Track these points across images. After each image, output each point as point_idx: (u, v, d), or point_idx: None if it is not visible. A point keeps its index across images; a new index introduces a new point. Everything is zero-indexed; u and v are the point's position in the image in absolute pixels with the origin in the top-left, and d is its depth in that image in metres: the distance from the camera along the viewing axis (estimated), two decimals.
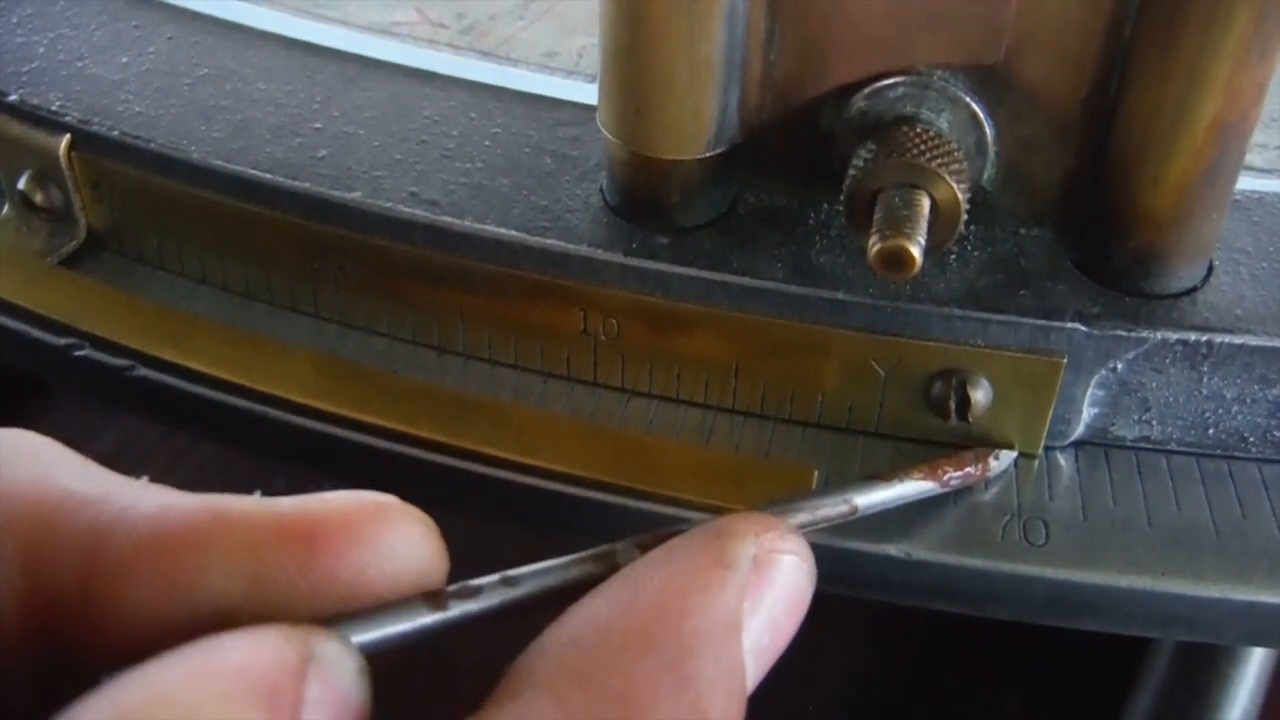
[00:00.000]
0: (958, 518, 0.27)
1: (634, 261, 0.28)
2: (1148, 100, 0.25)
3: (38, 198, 0.33)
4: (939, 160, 0.25)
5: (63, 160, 0.32)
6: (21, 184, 0.33)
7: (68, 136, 0.32)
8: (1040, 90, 0.27)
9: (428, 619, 0.17)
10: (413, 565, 0.17)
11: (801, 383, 0.28)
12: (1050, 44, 0.26)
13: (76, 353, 0.31)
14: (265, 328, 0.31)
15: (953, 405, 0.27)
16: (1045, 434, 0.28)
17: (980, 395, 0.27)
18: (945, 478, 0.26)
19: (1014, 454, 0.28)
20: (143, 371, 0.30)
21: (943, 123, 0.27)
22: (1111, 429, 0.28)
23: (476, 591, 0.18)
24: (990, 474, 0.27)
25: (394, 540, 0.17)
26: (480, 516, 0.29)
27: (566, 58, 0.36)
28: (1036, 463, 0.28)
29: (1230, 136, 0.25)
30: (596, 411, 0.29)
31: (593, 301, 0.28)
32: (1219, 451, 0.28)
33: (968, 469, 0.27)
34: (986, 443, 0.28)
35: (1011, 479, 0.28)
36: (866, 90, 0.27)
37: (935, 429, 0.28)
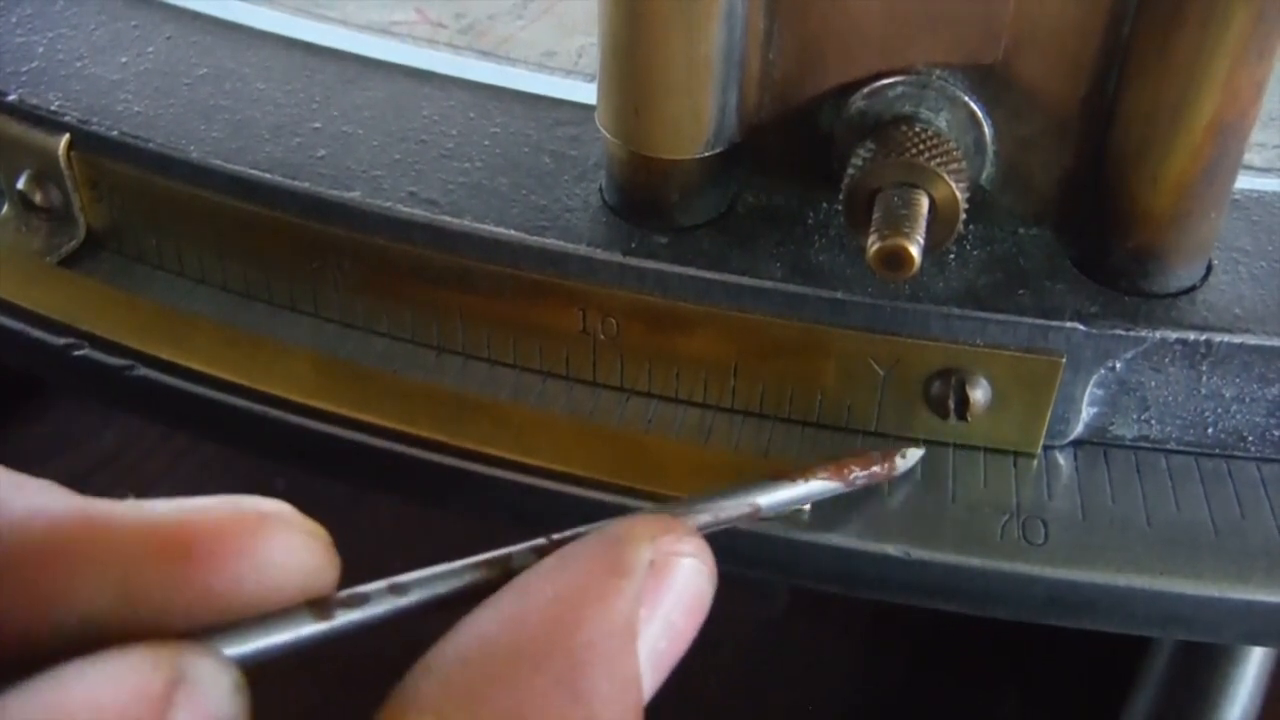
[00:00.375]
0: (957, 517, 0.27)
1: (633, 261, 0.28)
2: (1146, 99, 0.25)
3: (37, 197, 0.33)
4: (938, 159, 0.25)
5: (62, 160, 0.32)
6: (21, 184, 0.33)
7: (67, 136, 0.32)
8: (1039, 89, 0.27)
9: (311, 628, 0.16)
10: (295, 576, 0.16)
11: (800, 382, 0.28)
12: (1049, 43, 0.26)
13: (76, 352, 0.31)
14: (265, 327, 0.31)
15: (952, 405, 0.27)
16: (1044, 433, 0.28)
17: (979, 394, 0.27)
18: (850, 476, 0.26)
19: (920, 452, 0.27)
20: (142, 371, 0.30)
21: (941, 122, 0.27)
22: (1110, 428, 0.28)
23: (363, 600, 0.17)
24: (896, 472, 0.27)
25: (274, 551, 0.16)
26: (479, 516, 0.29)
27: (565, 57, 0.36)
28: (1035, 462, 0.28)
29: (1229, 135, 0.25)
30: (595, 411, 0.29)
31: (592, 301, 0.28)
32: (1218, 451, 0.28)
33: (874, 468, 0.26)
34: (987, 443, 0.28)
35: (1011, 478, 0.28)
36: (865, 90, 0.27)
37: (934, 428, 0.28)
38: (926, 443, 0.28)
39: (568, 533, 0.19)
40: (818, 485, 0.25)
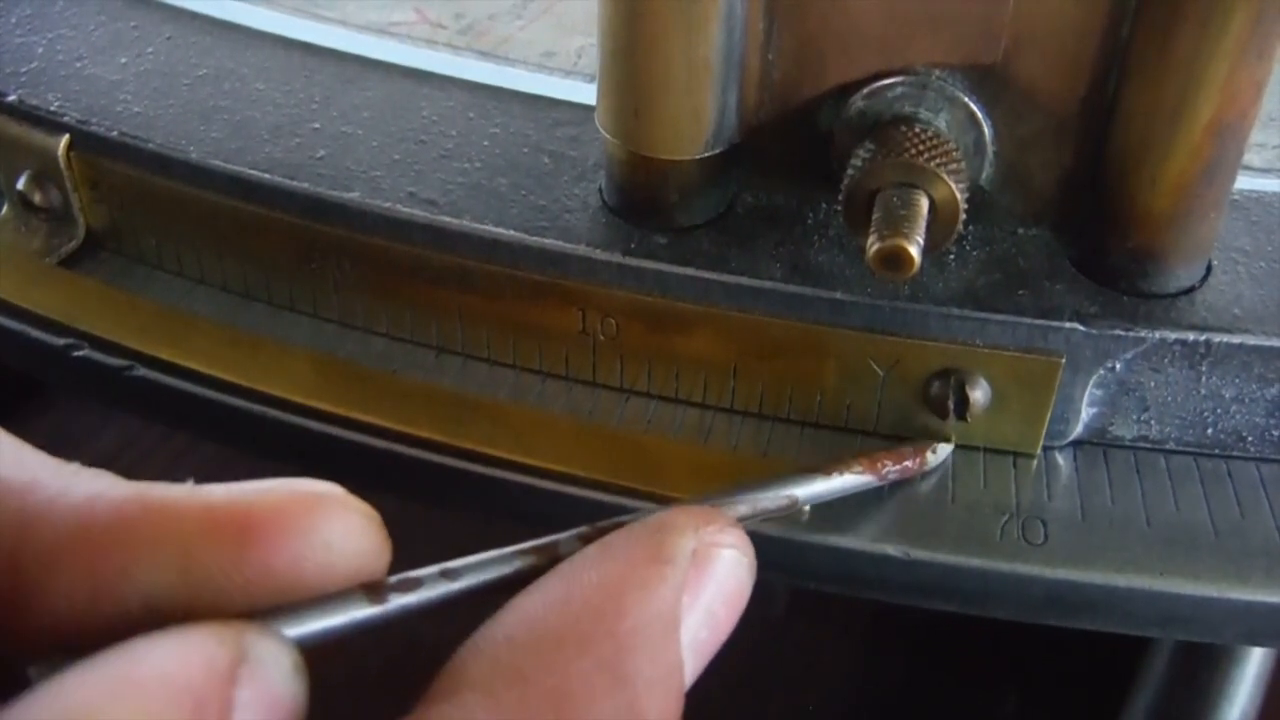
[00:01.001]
0: (956, 517, 0.27)
1: (632, 261, 0.28)
2: (1146, 99, 0.25)
3: (36, 198, 0.33)
4: (937, 160, 0.25)
5: (61, 160, 0.32)
6: (20, 184, 0.33)
7: (66, 137, 0.32)
8: (1038, 90, 0.27)
9: (366, 611, 0.17)
10: (351, 557, 0.17)
11: (800, 382, 0.28)
12: (1048, 43, 0.26)
13: (75, 353, 0.31)
14: (264, 328, 0.31)
15: (951, 405, 0.27)
16: (1044, 434, 0.28)
17: (979, 395, 0.27)
18: (883, 471, 0.26)
19: (950, 447, 0.28)
20: (142, 371, 0.30)
21: (941, 122, 0.27)
22: (1110, 428, 0.28)
23: (416, 584, 0.17)
24: (927, 467, 0.27)
25: (331, 532, 0.16)
26: (479, 516, 0.29)
27: (565, 57, 0.36)
28: (1035, 462, 0.28)
29: (1228, 136, 0.25)
30: (595, 411, 0.29)
31: (591, 301, 0.28)
32: (1217, 451, 0.28)
33: (905, 463, 0.27)
34: (987, 443, 0.28)
35: (1010, 478, 0.28)
36: (865, 90, 0.27)
37: (934, 428, 0.28)
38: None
39: (612, 520, 0.20)
40: (852, 479, 0.25)
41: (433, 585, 0.18)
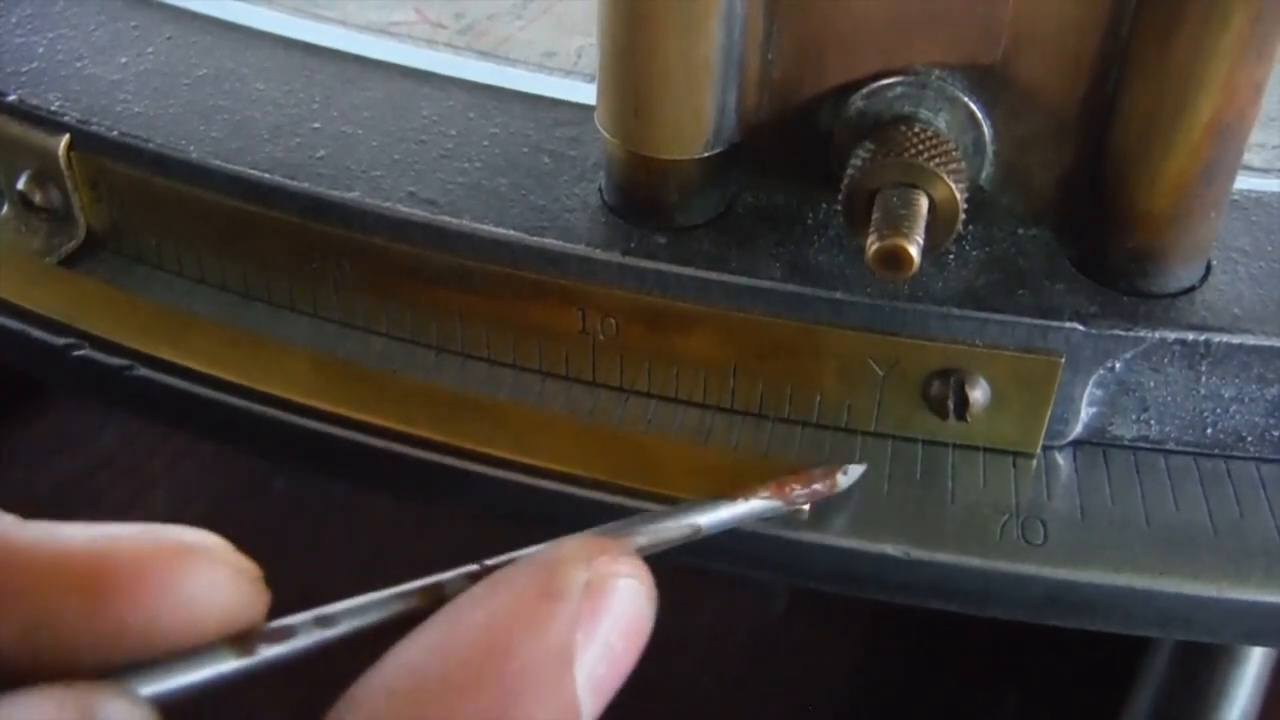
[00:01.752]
0: (956, 517, 0.27)
1: (632, 261, 0.28)
2: (1145, 99, 0.25)
3: (37, 198, 0.33)
4: (937, 160, 0.25)
5: (62, 160, 0.32)
6: (21, 184, 0.33)
7: (67, 136, 0.32)
8: (1038, 90, 0.27)
9: (233, 665, 0.16)
10: (217, 611, 0.16)
11: (799, 382, 0.28)
12: (1048, 43, 0.26)
13: (75, 352, 0.31)
14: (264, 327, 0.31)
15: (951, 405, 0.27)
16: (1043, 433, 0.28)
17: (978, 395, 0.27)
18: (791, 495, 0.25)
19: (862, 468, 0.27)
20: (142, 371, 0.30)
21: (941, 122, 0.27)
22: (1109, 428, 0.28)
23: (289, 633, 0.17)
24: (838, 489, 0.26)
25: (195, 586, 0.16)
26: (478, 516, 0.29)
27: (565, 57, 0.36)
28: (1034, 462, 0.28)
29: (1228, 136, 0.25)
30: (595, 411, 0.29)
31: (591, 301, 0.28)
32: (1217, 451, 0.28)
33: (814, 485, 0.26)
34: (986, 443, 0.28)
35: (1010, 478, 0.28)
36: (864, 90, 0.27)
37: (933, 428, 0.28)
38: (925, 443, 0.28)
39: (502, 558, 0.19)
40: (759, 504, 0.25)
41: (307, 633, 0.17)
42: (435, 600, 0.18)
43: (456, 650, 0.16)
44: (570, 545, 0.18)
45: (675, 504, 0.23)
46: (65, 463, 0.54)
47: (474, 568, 0.19)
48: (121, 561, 0.15)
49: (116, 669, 0.15)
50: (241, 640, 0.16)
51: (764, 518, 0.25)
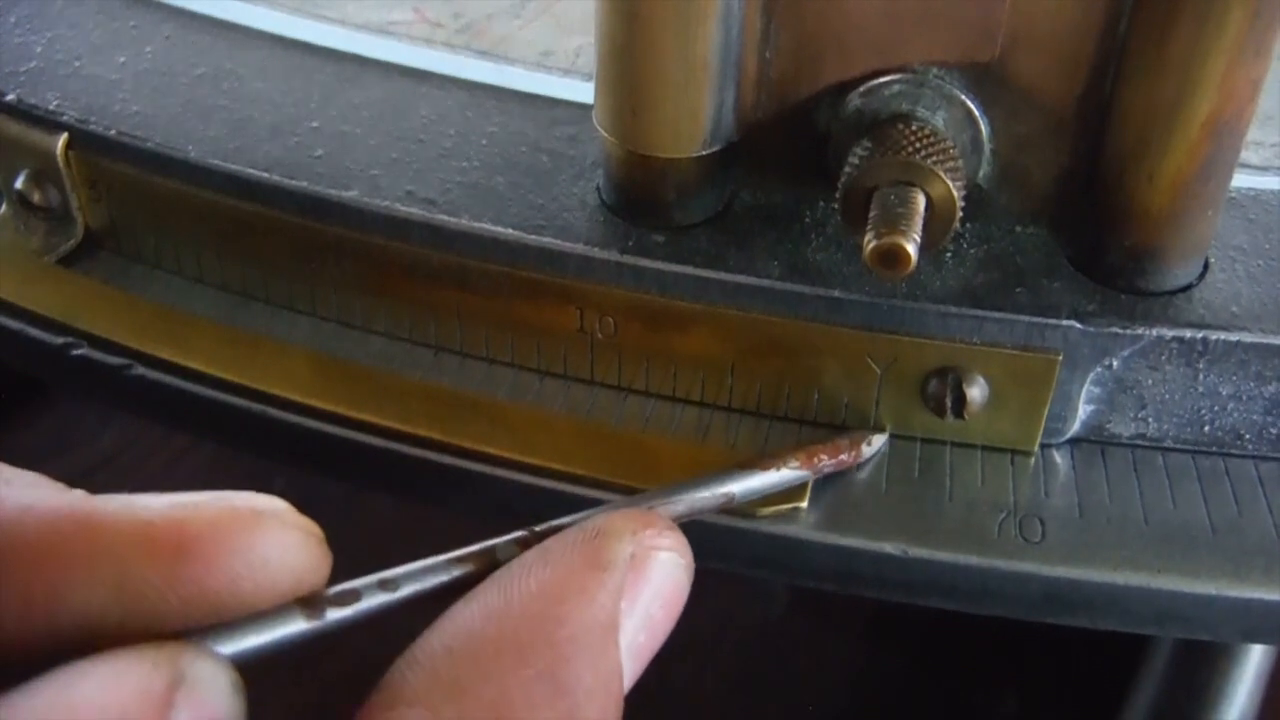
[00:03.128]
0: (954, 515, 0.27)
1: (630, 260, 0.28)
2: (1143, 97, 0.25)
3: (35, 197, 0.33)
4: (934, 158, 0.25)
5: (60, 159, 0.32)
6: (19, 183, 0.33)
7: (65, 136, 0.32)
8: (1035, 88, 0.27)
9: (303, 626, 0.17)
10: (289, 573, 0.17)
11: (797, 380, 0.28)
12: (1045, 41, 0.26)
13: (74, 352, 0.31)
14: (262, 327, 0.31)
15: (949, 403, 0.27)
16: (1041, 431, 0.28)
17: (976, 393, 0.27)
18: (819, 464, 0.26)
19: (884, 437, 0.28)
20: (140, 371, 0.30)
21: (938, 120, 0.27)
22: (1107, 426, 0.28)
23: (354, 597, 0.17)
24: (862, 459, 0.27)
25: (268, 549, 0.16)
26: (477, 515, 0.29)
27: (563, 57, 0.36)
28: (1033, 460, 0.28)
29: (1225, 133, 0.25)
30: (593, 409, 0.29)
31: (589, 300, 0.28)
32: (1215, 449, 0.28)
33: (841, 455, 0.27)
34: (985, 441, 0.28)
35: (1008, 476, 0.28)
36: (862, 88, 0.27)
37: (932, 426, 0.28)
38: (924, 441, 0.28)
39: (550, 524, 0.20)
40: (789, 474, 0.26)
41: (371, 596, 0.17)
42: (489, 564, 0.18)
43: (511, 615, 0.17)
44: (616, 517, 0.19)
45: (708, 474, 0.24)
46: (65, 463, 0.54)
47: (523, 533, 0.19)
48: (200, 527, 0.16)
49: (198, 629, 0.16)
50: (311, 603, 0.17)
51: (791, 485, 0.26)
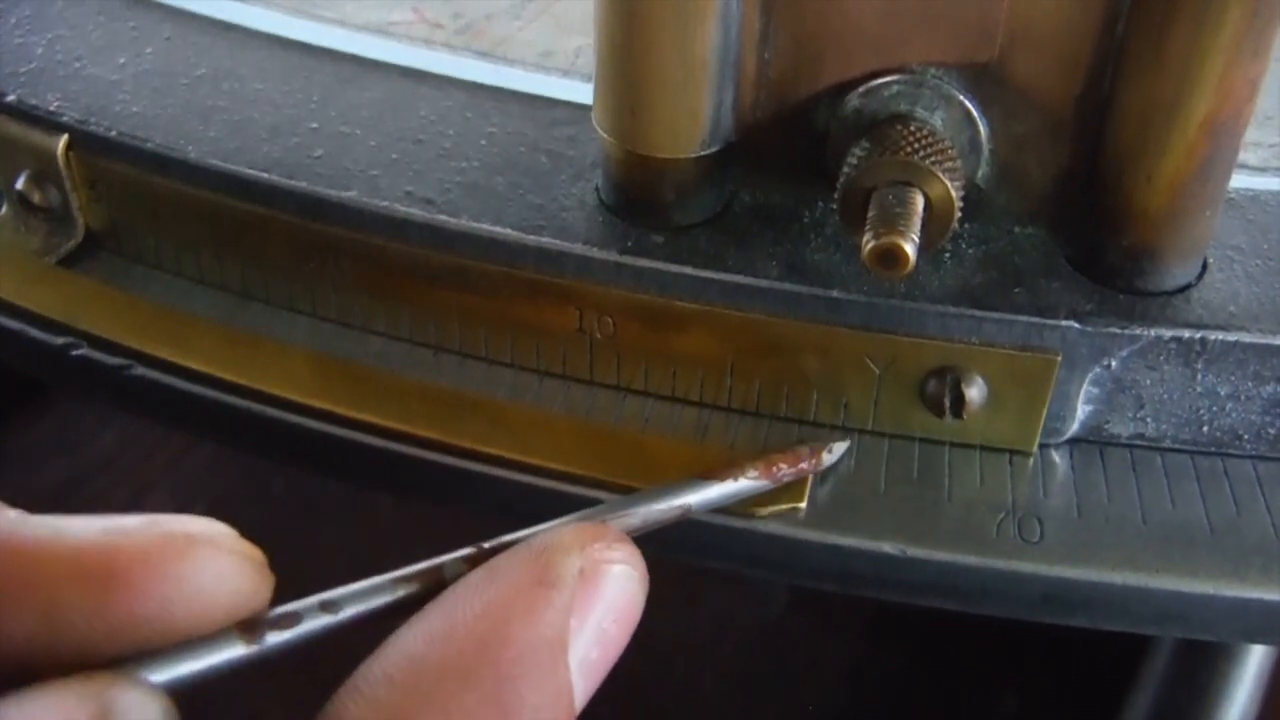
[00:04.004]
0: (953, 515, 0.27)
1: (629, 260, 0.28)
2: (1141, 97, 0.25)
3: (35, 197, 0.33)
4: (933, 158, 0.25)
5: (60, 160, 0.32)
6: (19, 184, 0.33)
7: (65, 136, 0.32)
8: (1034, 88, 0.27)
9: (241, 651, 0.16)
10: (224, 600, 0.16)
11: (796, 381, 0.28)
12: (1044, 42, 0.26)
13: (74, 352, 0.31)
14: (262, 327, 0.31)
15: (947, 403, 0.27)
16: (1040, 431, 0.28)
17: (975, 393, 0.27)
18: (779, 474, 0.26)
19: (846, 444, 0.28)
20: (140, 371, 0.31)
21: (937, 121, 0.27)
22: (1106, 426, 0.28)
23: (294, 619, 0.17)
24: (822, 466, 0.27)
25: (201, 576, 0.16)
26: (476, 515, 0.29)
27: (563, 57, 0.36)
28: (1031, 460, 0.28)
29: (1223, 134, 0.25)
30: (592, 410, 0.29)
31: (588, 300, 0.28)
32: (1213, 449, 0.28)
33: (801, 464, 0.27)
34: (983, 441, 0.28)
35: (1007, 476, 0.28)
36: (861, 89, 0.27)
37: (930, 426, 0.28)
38: (922, 441, 0.28)
39: (500, 540, 0.19)
40: (747, 484, 0.25)
41: (312, 619, 0.17)
42: (436, 583, 0.18)
43: (455, 639, 0.17)
44: (564, 532, 0.19)
45: (665, 484, 0.23)
46: (65, 464, 0.54)
47: (471, 550, 0.19)
48: (130, 554, 0.16)
49: (129, 659, 0.15)
50: (249, 628, 0.17)
51: (750, 495, 0.25)
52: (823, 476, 0.27)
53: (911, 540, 0.26)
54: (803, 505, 0.27)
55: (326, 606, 0.17)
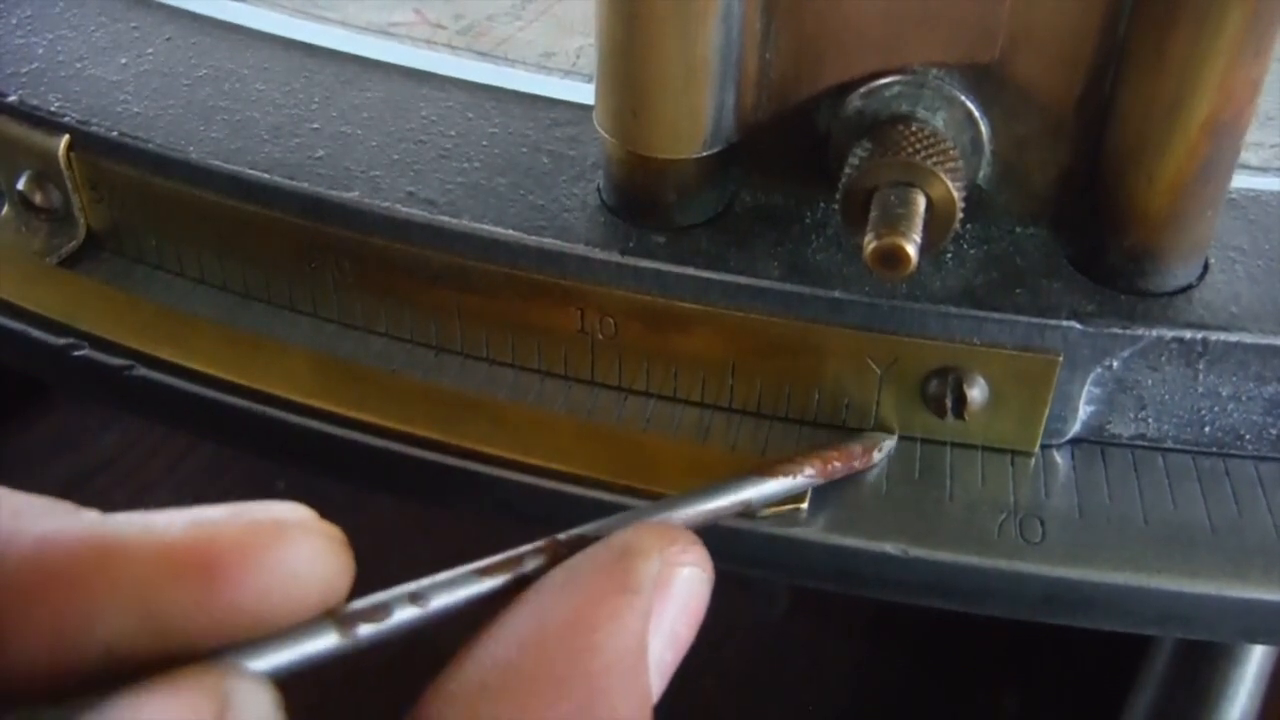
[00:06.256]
0: (954, 515, 0.27)
1: (631, 260, 0.28)
2: (1142, 98, 0.25)
3: (37, 198, 0.33)
4: (934, 159, 0.25)
5: (62, 161, 0.32)
6: (21, 184, 0.33)
7: (67, 137, 0.32)
8: (1035, 88, 0.27)
9: (336, 641, 0.16)
10: (318, 583, 0.16)
11: (798, 381, 0.28)
12: (1045, 42, 0.26)
13: (76, 353, 0.31)
14: (264, 327, 0.31)
15: (949, 403, 0.27)
16: (1041, 432, 0.28)
17: (976, 393, 0.27)
18: (832, 470, 0.26)
19: (893, 440, 0.28)
20: (142, 371, 0.31)
21: (938, 121, 0.27)
22: (1108, 427, 0.28)
23: (385, 611, 0.17)
24: (873, 463, 0.28)
25: (296, 561, 0.16)
26: (478, 515, 0.29)
27: (564, 58, 0.36)
28: (1033, 461, 0.28)
29: (1224, 134, 0.25)
30: (594, 410, 0.29)
31: (590, 300, 0.28)
32: (1215, 449, 0.28)
33: (853, 462, 0.27)
34: (985, 441, 0.28)
35: (1008, 477, 0.28)
36: (862, 89, 0.27)
37: (932, 427, 0.28)
38: (924, 441, 0.28)
39: (574, 532, 0.19)
40: (803, 480, 0.26)
41: (402, 611, 0.17)
42: (515, 575, 0.18)
43: (545, 646, 0.17)
44: (642, 534, 0.19)
45: (723, 481, 0.24)
46: (66, 465, 0.54)
47: (546, 542, 0.19)
48: (224, 545, 0.16)
49: (233, 648, 0.16)
50: (342, 618, 0.17)
51: (805, 489, 0.26)
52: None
53: (913, 540, 0.26)
54: (804, 505, 0.27)
55: (415, 598, 0.17)
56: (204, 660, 0.15)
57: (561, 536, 0.19)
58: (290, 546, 0.16)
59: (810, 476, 0.26)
